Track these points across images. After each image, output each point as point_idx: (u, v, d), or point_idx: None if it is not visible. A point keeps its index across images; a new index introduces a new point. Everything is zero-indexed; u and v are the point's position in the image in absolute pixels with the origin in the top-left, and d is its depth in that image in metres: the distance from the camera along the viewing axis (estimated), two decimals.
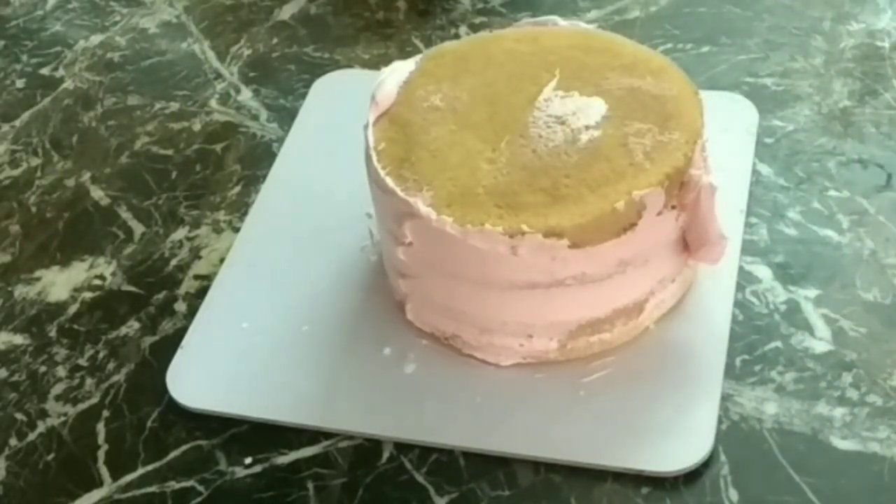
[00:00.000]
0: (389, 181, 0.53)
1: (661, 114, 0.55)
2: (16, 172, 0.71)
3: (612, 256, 0.52)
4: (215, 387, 0.57)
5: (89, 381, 0.59)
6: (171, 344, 0.59)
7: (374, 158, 0.55)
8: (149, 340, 0.60)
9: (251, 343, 0.58)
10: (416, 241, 0.54)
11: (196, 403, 0.56)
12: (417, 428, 0.53)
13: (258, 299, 0.60)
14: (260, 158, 0.69)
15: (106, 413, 0.57)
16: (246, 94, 0.74)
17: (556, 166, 0.53)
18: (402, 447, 0.54)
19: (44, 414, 0.57)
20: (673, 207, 0.53)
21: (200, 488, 0.53)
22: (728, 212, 0.58)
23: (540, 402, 0.54)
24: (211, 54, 0.77)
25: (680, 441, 0.52)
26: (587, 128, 0.54)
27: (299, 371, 0.57)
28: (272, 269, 0.61)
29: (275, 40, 0.78)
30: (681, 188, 0.53)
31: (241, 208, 0.66)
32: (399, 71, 0.58)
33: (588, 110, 0.55)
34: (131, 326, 0.61)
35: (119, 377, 0.59)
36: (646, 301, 0.55)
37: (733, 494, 0.50)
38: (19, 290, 0.64)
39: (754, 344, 0.56)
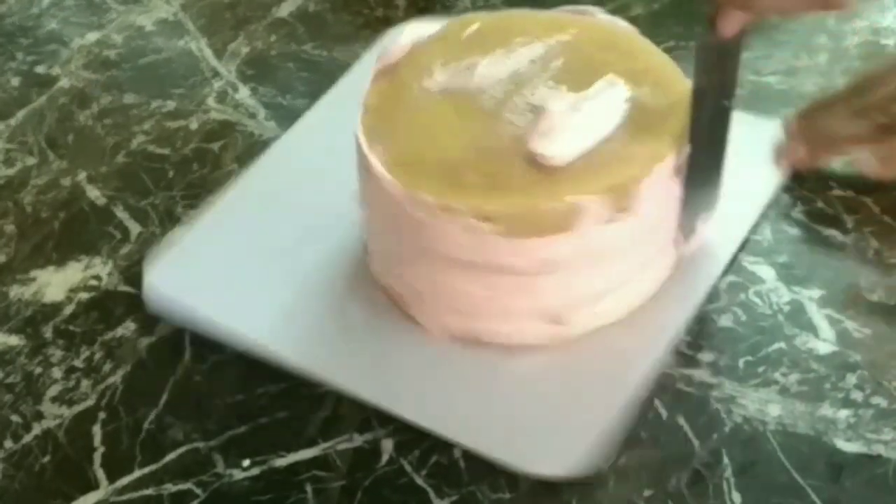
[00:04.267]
0: (361, 135, 0.55)
1: (642, 124, 0.54)
2: (11, 171, 0.71)
3: (539, 255, 0.52)
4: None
5: (85, 383, 0.58)
6: (168, 345, 0.59)
7: (360, 111, 0.56)
8: (145, 341, 0.60)
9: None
10: (371, 199, 0.55)
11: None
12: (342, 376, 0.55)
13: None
14: (258, 157, 0.69)
15: (102, 415, 0.57)
16: (244, 93, 0.74)
17: (510, 153, 0.53)
18: (402, 448, 0.53)
19: (39, 416, 0.57)
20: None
21: (198, 491, 0.53)
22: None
23: (452, 379, 0.55)
24: (208, 52, 0.77)
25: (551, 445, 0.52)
26: None
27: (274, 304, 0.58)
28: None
29: (273, 38, 0.77)
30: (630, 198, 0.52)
31: None
32: (422, 31, 0.60)
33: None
34: (128, 327, 0.60)
35: (115, 379, 0.58)
36: (576, 307, 0.55)
37: (736, 497, 0.50)
38: (14, 291, 0.63)
39: (757, 345, 0.56)
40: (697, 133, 0.54)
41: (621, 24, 0.61)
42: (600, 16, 0.61)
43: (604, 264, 0.54)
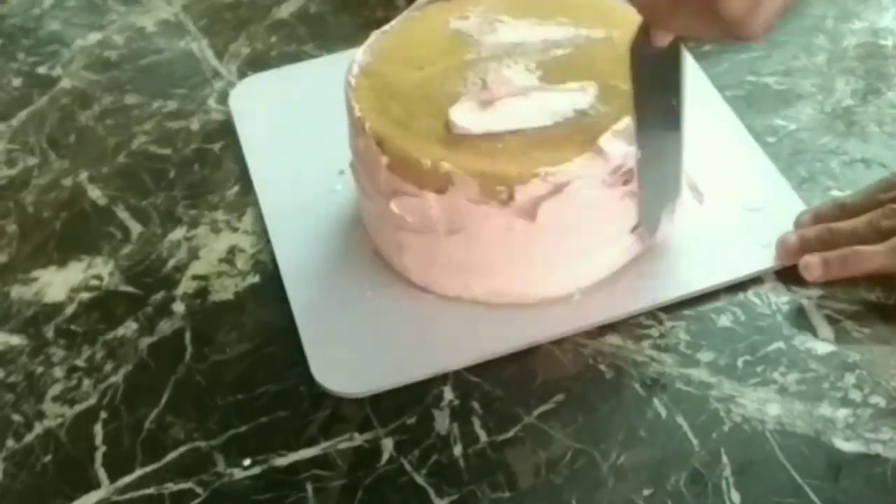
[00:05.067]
0: (351, 88, 0.58)
1: (582, 131, 0.55)
2: (12, 172, 0.71)
3: (426, 210, 0.55)
4: None
5: (87, 382, 0.58)
6: (169, 345, 0.59)
7: (353, 68, 0.59)
8: (146, 341, 0.60)
9: None
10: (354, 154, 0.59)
11: None
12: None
13: None
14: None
15: (103, 414, 0.57)
16: None
17: (443, 109, 0.56)
18: (402, 448, 0.53)
19: (41, 415, 0.57)
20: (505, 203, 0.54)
21: (199, 490, 0.53)
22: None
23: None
24: (209, 53, 0.77)
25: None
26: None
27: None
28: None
29: (273, 38, 0.77)
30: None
31: (239, 208, 0.66)
32: None
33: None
34: (129, 327, 0.61)
35: (117, 378, 0.58)
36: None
37: (735, 496, 0.50)
38: (16, 291, 0.63)
39: (756, 345, 0.56)
40: (645, 136, 0.54)
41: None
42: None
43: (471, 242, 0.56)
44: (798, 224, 0.59)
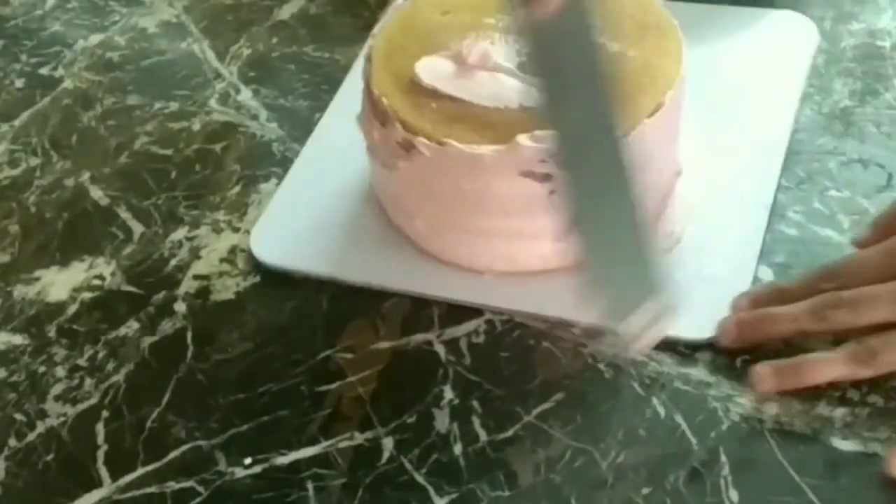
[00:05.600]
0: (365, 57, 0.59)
1: None
2: (15, 172, 0.71)
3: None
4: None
5: (89, 382, 0.58)
6: (170, 344, 0.59)
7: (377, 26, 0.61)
8: (148, 340, 0.60)
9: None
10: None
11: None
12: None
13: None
14: (260, 158, 0.69)
15: (105, 413, 0.57)
16: (246, 94, 0.74)
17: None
18: (403, 447, 0.54)
19: (43, 414, 0.57)
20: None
21: (200, 489, 0.53)
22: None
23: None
24: (210, 54, 0.77)
25: None
26: None
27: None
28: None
29: (274, 40, 0.78)
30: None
31: (240, 208, 0.66)
32: None
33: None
34: (130, 326, 0.61)
35: (118, 377, 0.58)
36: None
37: (734, 495, 0.50)
38: (18, 290, 0.64)
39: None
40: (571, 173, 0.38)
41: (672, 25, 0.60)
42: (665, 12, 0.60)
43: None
44: (735, 307, 0.56)
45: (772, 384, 0.53)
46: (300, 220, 0.64)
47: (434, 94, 0.57)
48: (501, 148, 0.54)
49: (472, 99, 0.56)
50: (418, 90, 0.57)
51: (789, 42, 0.70)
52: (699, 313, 0.55)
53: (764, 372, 0.53)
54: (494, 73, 0.57)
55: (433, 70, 0.57)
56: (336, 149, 0.67)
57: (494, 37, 0.58)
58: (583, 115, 0.38)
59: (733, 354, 0.55)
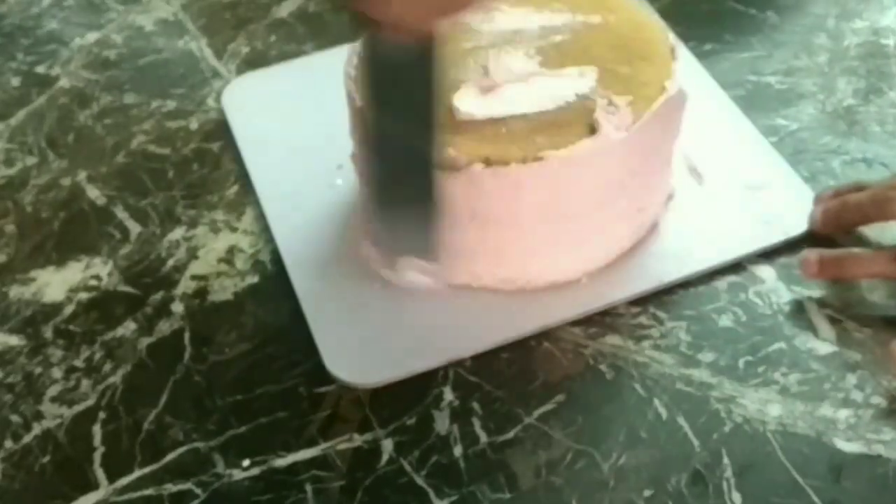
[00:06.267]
0: (351, 79, 0.56)
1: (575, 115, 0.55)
2: (11, 171, 0.71)
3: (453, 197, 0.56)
4: None
5: (85, 383, 0.58)
6: (168, 345, 0.59)
7: (353, 59, 0.58)
8: (145, 341, 0.60)
9: None
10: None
11: None
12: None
13: None
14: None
15: (102, 415, 0.56)
16: None
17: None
18: (402, 448, 0.53)
19: (39, 416, 0.57)
20: None
21: (198, 491, 0.53)
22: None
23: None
24: (208, 52, 0.77)
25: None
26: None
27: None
28: None
29: (273, 38, 0.77)
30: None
31: (238, 208, 0.66)
32: None
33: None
34: (127, 327, 0.60)
35: (115, 378, 0.58)
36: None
37: (736, 497, 0.50)
38: (14, 291, 0.63)
39: (757, 345, 0.55)
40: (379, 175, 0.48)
41: (657, 26, 0.60)
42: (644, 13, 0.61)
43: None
44: (818, 200, 0.60)
45: (814, 271, 0.56)
46: None
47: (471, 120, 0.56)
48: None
49: (522, 109, 0.55)
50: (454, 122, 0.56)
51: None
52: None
53: (810, 258, 0.56)
54: (527, 81, 0.57)
55: (469, 100, 0.56)
56: None
57: (500, 53, 0.58)
58: (401, 127, 0.44)
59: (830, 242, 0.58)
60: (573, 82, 0.56)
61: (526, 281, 0.58)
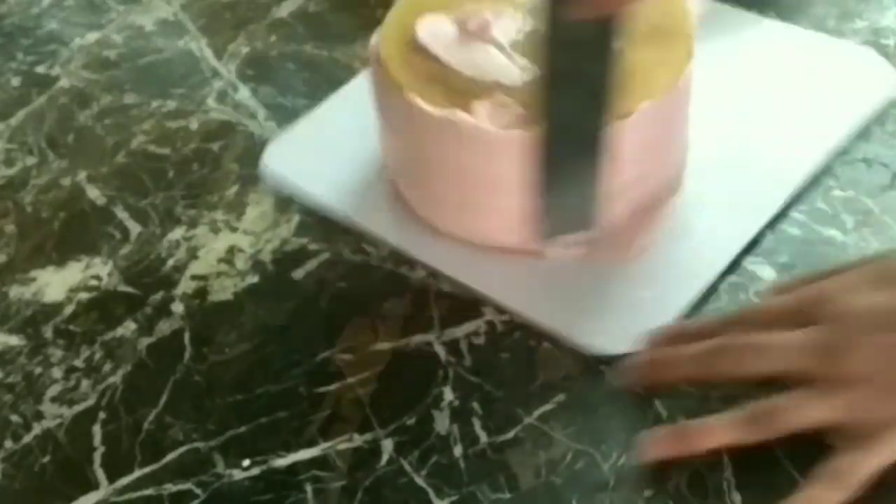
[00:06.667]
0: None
1: None
2: (11, 171, 0.71)
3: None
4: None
5: (85, 383, 0.58)
6: (168, 345, 0.59)
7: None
8: (145, 341, 0.60)
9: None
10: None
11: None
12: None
13: None
14: (258, 157, 0.69)
15: (102, 415, 0.57)
16: (244, 93, 0.74)
17: None
18: (402, 448, 0.53)
19: (39, 416, 0.57)
20: None
21: (198, 491, 0.53)
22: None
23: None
24: (208, 52, 0.77)
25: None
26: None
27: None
28: None
29: (273, 38, 0.77)
30: None
31: (238, 208, 0.66)
32: None
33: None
34: (127, 327, 0.60)
35: (115, 378, 0.58)
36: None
37: (736, 497, 0.50)
38: (14, 291, 0.63)
39: None
40: (552, 135, 0.47)
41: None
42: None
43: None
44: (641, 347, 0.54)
45: (662, 450, 0.50)
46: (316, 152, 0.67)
47: (426, 53, 0.58)
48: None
49: (456, 64, 0.57)
50: (414, 47, 0.58)
51: (860, 81, 0.66)
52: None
53: (655, 437, 0.51)
54: (487, 45, 0.58)
55: (433, 30, 0.58)
56: None
57: (505, 11, 0.59)
58: (575, 107, 0.44)
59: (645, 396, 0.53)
60: (509, 71, 0.57)
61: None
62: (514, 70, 0.56)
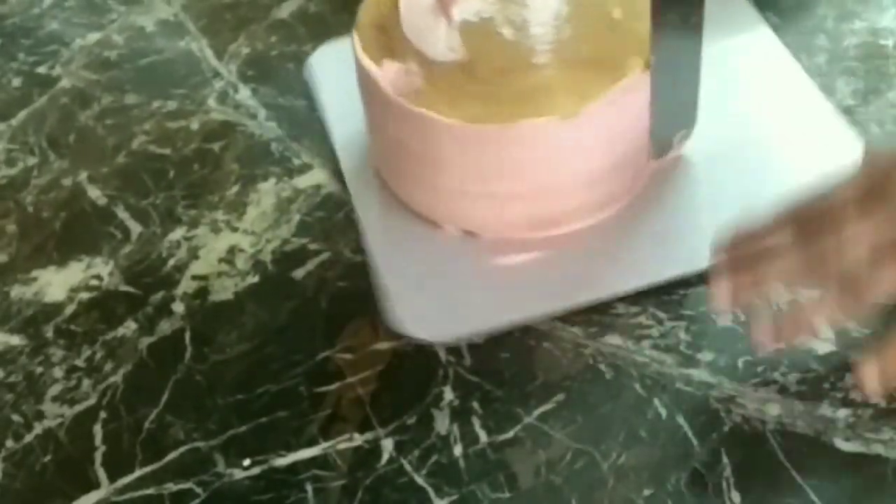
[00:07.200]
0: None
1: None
2: (12, 172, 0.71)
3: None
4: None
5: (86, 383, 0.58)
6: (168, 345, 0.59)
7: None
8: (146, 341, 0.60)
9: None
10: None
11: None
12: None
13: None
14: (258, 158, 0.69)
15: (103, 414, 0.57)
16: (244, 93, 0.74)
17: None
18: (402, 448, 0.53)
19: (40, 415, 0.57)
20: None
21: (198, 490, 0.53)
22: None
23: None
24: (209, 52, 0.77)
25: None
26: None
27: None
28: None
29: (273, 38, 0.77)
30: None
31: (239, 208, 0.66)
32: None
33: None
34: (128, 327, 0.61)
35: (116, 378, 0.58)
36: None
37: (735, 497, 0.50)
38: (16, 291, 0.63)
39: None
40: (661, 45, 0.53)
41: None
42: None
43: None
44: (717, 249, 0.54)
45: (772, 343, 0.53)
46: None
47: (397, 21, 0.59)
48: None
49: (405, 24, 0.59)
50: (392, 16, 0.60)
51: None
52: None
53: (766, 331, 0.53)
54: (440, 17, 0.59)
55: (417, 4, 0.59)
56: None
57: None
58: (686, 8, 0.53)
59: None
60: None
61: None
62: (441, 46, 0.57)
